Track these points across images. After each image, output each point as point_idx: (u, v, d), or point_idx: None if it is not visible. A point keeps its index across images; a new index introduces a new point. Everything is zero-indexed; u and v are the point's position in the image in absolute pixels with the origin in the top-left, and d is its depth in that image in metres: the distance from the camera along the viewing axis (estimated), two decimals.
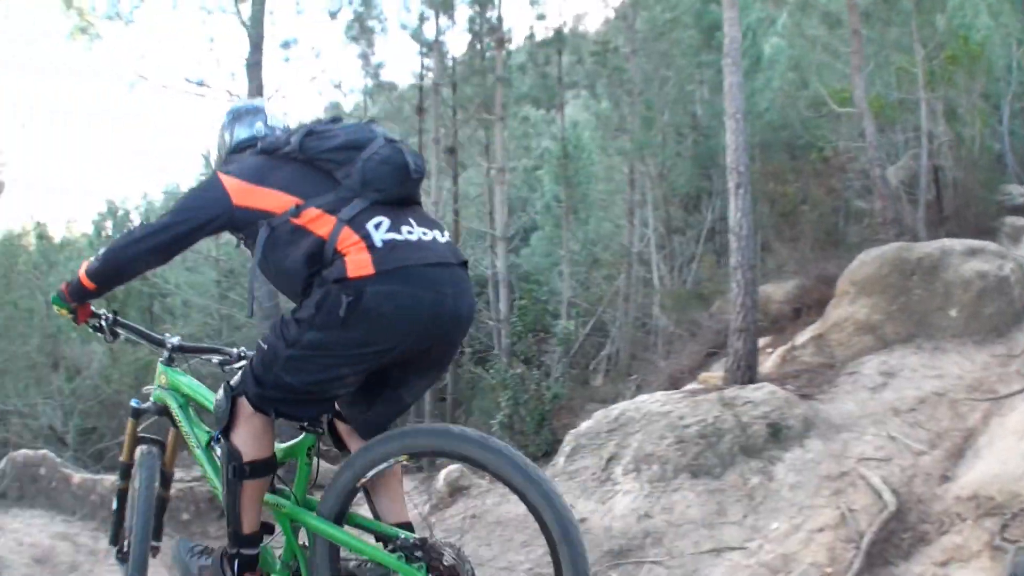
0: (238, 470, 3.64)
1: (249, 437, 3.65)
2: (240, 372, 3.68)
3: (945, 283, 10.04)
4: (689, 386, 10.98)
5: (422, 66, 23.95)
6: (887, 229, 13.92)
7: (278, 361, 3.49)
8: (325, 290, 3.35)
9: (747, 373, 9.82)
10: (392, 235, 3.40)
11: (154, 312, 27.38)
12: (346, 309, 3.29)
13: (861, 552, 5.95)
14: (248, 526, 3.77)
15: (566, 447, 9.61)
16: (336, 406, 3.85)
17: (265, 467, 3.71)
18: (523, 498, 3.33)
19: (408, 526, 3.73)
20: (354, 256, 3.32)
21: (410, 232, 3.47)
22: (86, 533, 9.02)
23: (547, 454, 11.71)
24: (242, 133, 4.07)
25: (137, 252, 3.76)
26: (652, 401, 9.26)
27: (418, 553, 3.40)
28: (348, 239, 3.35)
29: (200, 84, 14.94)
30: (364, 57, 24.35)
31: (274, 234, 3.53)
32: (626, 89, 23.17)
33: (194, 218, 3.69)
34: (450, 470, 10.12)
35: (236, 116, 4.17)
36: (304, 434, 3.81)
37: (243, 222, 3.66)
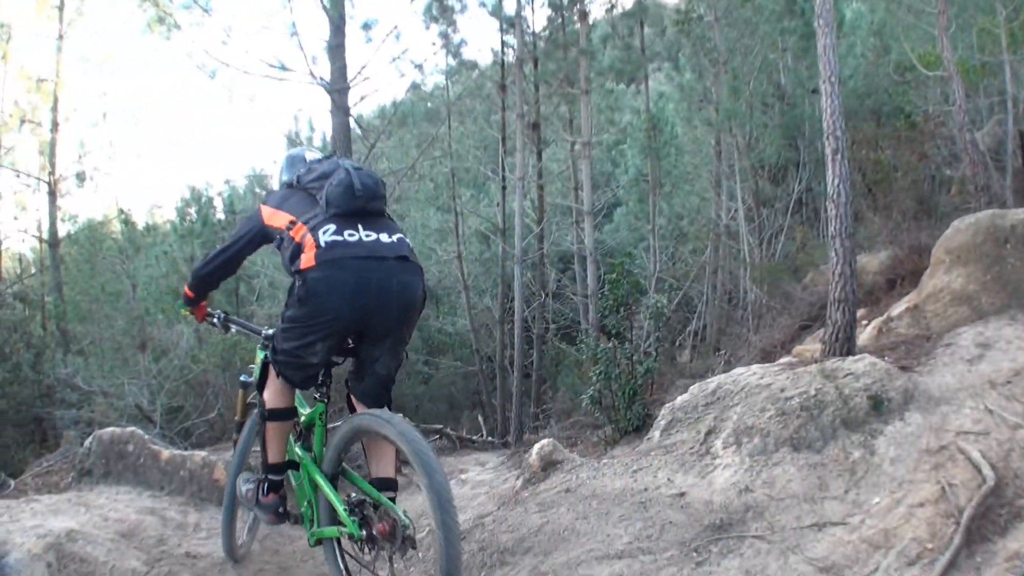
0: (264, 414, 5.42)
1: (272, 392, 5.38)
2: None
3: None
4: (783, 360, 10.89)
5: (502, 43, 23.98)
6: (978, 197, 13.67)
7: (279, 334, 5.27)
8: (293, 279, 5.03)
9: (845, 345, 9.62)
10: (334, 238, 4.94)
11: (240, 294, 27.81)
12: (300, 291, 4.91)
13: (961, 528, 5.87)
14: (272, 457, 5.45)
15: (661, 421, 9.61)
16: (348, 386, 5.48)
17: (283, 415, 5.42)
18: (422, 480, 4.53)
19: (388, 481, 5.25)
20: (307, 254, 4.92)
21: (351, 235, 4.98)
22: (175, 508, 9.13)
23: (638, 429, 11.72)
24: (286, 176, 5.80)
25: (213, 268, 5.78)
26: (750, 374, 9.25)
27: (358, 510, 4.93)
28: (308, 242, 4.96)
29: (282, 68, 14.99)
30: (444, 36, 24.39)
31: (280, 243, 5.26)
32: (710, 59, 22.97)
33: (242, 238, 5.61)
34: (543, 444, 10.14)
35: (290, 162, 5.99)
36: (317, 403, 5.51)
37: (270, 236, 5.42)
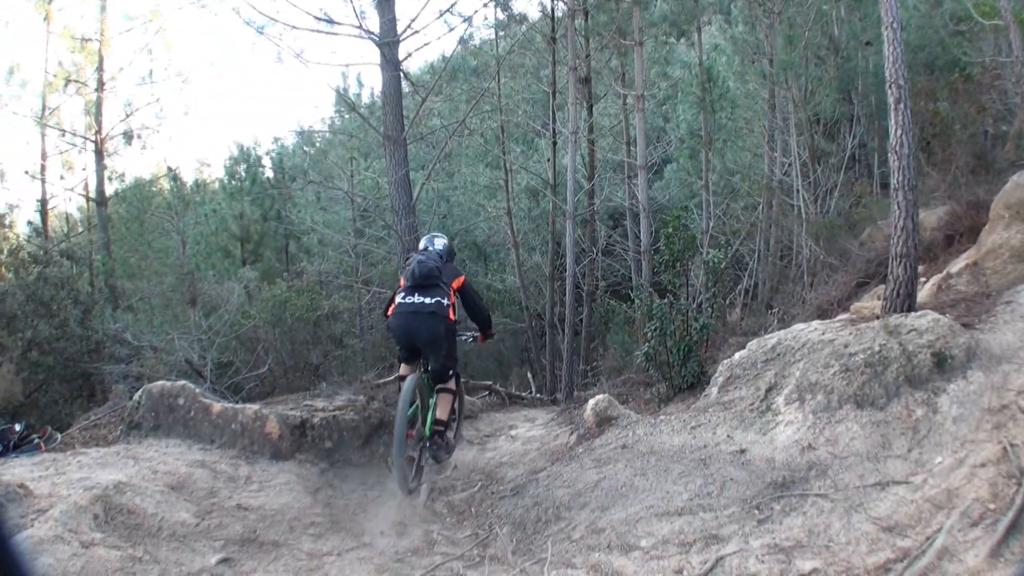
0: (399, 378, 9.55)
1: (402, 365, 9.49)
2: None
3: None
4: (842, 316, 10.82)
5: None
6: None
7: None
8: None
9: (906, 301, 9.44)
10: (400, 299, 8.86)
11: (290, 251, 27.97)
12: (388, 327, 9.81)
13: (1023, 489, 5.87)
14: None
15: (719, 377, 9.63)
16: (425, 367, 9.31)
17: (400, 378, 9.41)
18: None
19: (439, 421, 9.11)
20: (392, 306, 9.05)
21: (408, 299, 8.84)
22: (225, 460, 9.35)
23: (692, 386, 11.73)
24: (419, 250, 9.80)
25: (386, 306, 9.75)
26: (810, 330, 9.26)
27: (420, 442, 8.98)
28: (395, 300, 8.98)
29: (330, 22, 14.95)
30: None
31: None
32: (764, 9, 22.68)
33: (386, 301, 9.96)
34: (598, 400, 10.17)
35: (427, 240, 9.90)
36: (423, 373, 9.22)
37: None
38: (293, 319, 16.08)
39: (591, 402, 10.16)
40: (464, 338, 9.88)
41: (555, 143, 23.36)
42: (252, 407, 10.36)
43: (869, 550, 5.67)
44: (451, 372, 9.26)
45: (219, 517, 7.91)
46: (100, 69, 26.06)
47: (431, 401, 9.15)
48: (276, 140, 37.28)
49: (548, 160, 24.16)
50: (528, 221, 26.88)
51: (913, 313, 8.83)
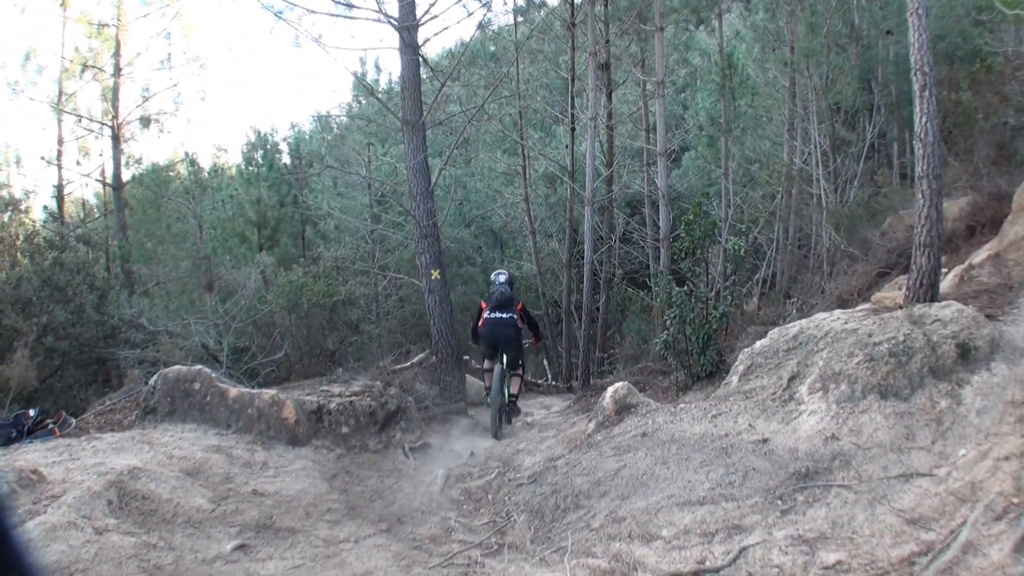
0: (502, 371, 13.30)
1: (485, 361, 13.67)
2: None
3: None
4: (863, 306, 10.76)
5: None
6: None
7: None
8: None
9: (929, 291, 9.40)
10: (488, 315, 13.27)
11: (307, 237, 27.97)
12: (479, 336, 13.56)
13: None
14: (486, 383, 13.77)
15: (739, 366, 9.59)
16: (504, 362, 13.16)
17: (487, 370, 13.44)
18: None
19: (512, 394, 13.31)
20: (481, 320, 13.39)
21: (492, 315, 13.22)
22: (242, 446, 9.39)
23: (710, 374, 11.70)
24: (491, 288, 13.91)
25: (473, 328, 13.97)
26: (833, 319, 9.22)
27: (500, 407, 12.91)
28: (483, 316, 13.37)
29: (348, 6, 14.87)
30: None
31: (480, 312, 13.67)
32: None
33: (474, 318, 14.12)
34: (617, 388, 10.14)
35: (495, 275, 13.96)
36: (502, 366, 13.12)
37: (481, 312, 13.60)
38: (309, 305, 16.09)
39: (610, 390, 10.15)
40: (524, 342, 13.98)
41: (573, 129, 23.27)
42: (269, 392, 10.41)
43: (893, 543, 5.63)
44: (519, 362, 13.72)
45: (235, 503, 7.93)
46: (117, 54, 26.02)
47: (507, 381, 13.23)
48: (293, 126, 37.35)
49: (566, 147, 24.07)
50: (545, 208, 26.82)
51: (937, 303, 8.79)
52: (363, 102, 33.31)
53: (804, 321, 9.63)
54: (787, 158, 22.93)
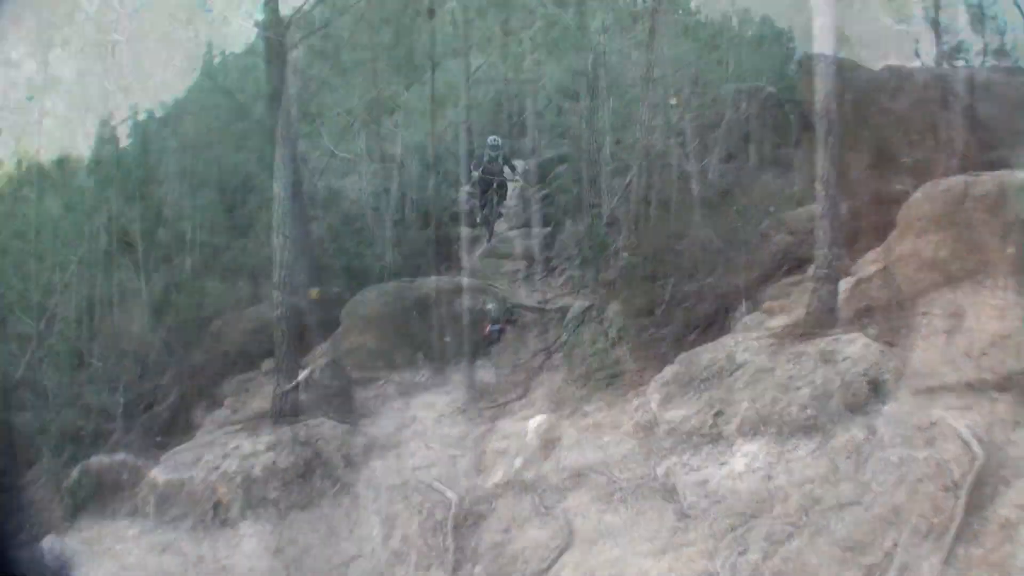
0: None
1: None
2: None
3: (1004, 221, 9.92)
4: (765, 325, 11.15)
5: None
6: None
7: None
8: None
9: (829, 315, 10.07)
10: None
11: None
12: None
13: (960, 502, 6.78)
14: None
15: (655, 395, 10.27)
16: None
17: None
18: None
19: None
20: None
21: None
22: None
23: None
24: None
25: None
26: (742, 349, 9.91)
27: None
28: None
29: None
30: None
31: None
32: None
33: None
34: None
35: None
36: None
37: None
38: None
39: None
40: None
41: None
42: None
43: (839, 571, 6.56)
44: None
45: None
46: None
47: None
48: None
49: None
50: None
51: (843, 336, 9.50)
52: None
53: (712, 348, 10.32)
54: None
